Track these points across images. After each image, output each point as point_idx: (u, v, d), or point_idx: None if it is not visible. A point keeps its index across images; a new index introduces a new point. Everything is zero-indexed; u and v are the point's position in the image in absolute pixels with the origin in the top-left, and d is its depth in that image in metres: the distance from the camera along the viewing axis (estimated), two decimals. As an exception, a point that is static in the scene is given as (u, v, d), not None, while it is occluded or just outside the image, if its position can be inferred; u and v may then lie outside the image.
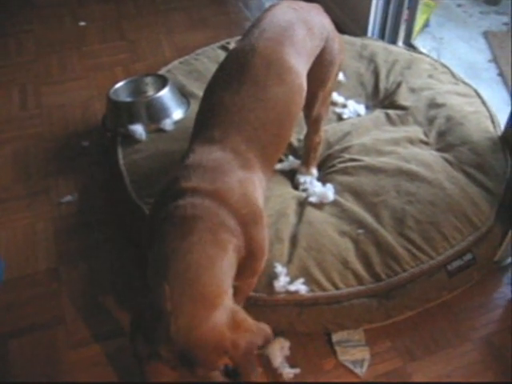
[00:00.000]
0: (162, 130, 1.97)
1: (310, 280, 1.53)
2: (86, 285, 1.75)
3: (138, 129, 1.93)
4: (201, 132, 1.43)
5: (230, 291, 1.20)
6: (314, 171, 1.84)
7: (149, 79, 2.24)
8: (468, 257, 1.65)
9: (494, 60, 2.72)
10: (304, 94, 1.53)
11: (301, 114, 1.71)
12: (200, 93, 1.98)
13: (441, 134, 1.95)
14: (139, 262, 1.77)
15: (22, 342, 1.62)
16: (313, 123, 1.77)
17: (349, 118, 2.07)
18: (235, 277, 1.25)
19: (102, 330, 1.63)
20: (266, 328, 1.22)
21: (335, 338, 1.59)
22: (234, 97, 1.40)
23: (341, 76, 2.17)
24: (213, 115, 1.42)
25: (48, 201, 1.99)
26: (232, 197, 1.27)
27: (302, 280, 1.52)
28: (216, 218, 1.21)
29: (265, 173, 1.45)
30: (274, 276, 1.52)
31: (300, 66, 1.50)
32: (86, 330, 1.64)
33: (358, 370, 1.54)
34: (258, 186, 1.38)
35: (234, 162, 1.34)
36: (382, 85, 2.19)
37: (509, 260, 1.79)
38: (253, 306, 1.52)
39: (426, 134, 1.97)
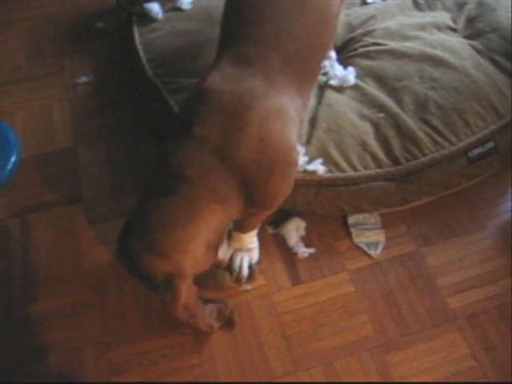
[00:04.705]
0: (178, 9, 1.88)
1: (329, 161, 1.52)
2: (102, 164, 1.76)
3: (154, 7, 1.85)
4: (231, 43, 1.28)
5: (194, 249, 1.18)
6: (333, 54, 1.77)
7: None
8: (490, 145, 1.61)
9: None
10: None
11: None
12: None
13: (470, 21, 1.85)
14: (155, 141, 1.77)
15: (41, 217, 1.65)
16: None
17: (373, 2, 1.97)
18: (250, 204, 1.23)
19: (118, 208, 1.65)
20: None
21: (351, 220, 1.60)
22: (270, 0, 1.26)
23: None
24: (245, 24, 1.27)
25: (63, 82, 1.96)
26: (241, 152, 1.15)
27: (320, 160, 1.51)
28: (205, 185, 1.14)
29: (302, 96, 1.31)
30: (293, 156, 1.50)
31: None
32: (103, 208, 1.67)
33: (372, 252, 1.56)
34: (291, 118, 1.23)
35: (264, 90, 1.19)
36: (410, -32, 2.06)
37: (531, 152, 1.77)
38: (270, 186, 1.52)
39: (454, 21, 1.87)
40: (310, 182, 1.51)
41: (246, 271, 1.48)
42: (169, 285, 1.17)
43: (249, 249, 1.48)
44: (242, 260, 1.48)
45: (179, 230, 1.14)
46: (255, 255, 1.51)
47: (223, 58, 1.26)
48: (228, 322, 1.43)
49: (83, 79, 1.96)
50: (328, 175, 1.51)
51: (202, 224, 1.16)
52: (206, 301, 1.37)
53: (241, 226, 1.43)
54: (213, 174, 1.15)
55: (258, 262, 1.52)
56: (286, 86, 1.24)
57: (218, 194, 1.15)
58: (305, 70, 1.30)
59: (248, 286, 1.51)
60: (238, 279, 1.48)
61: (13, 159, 1.74)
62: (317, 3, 1.31)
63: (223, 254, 1.43)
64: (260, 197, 1.21)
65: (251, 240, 1.48)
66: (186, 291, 1.19)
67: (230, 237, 1.48)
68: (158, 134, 1.75)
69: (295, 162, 1.25)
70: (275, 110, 1.19)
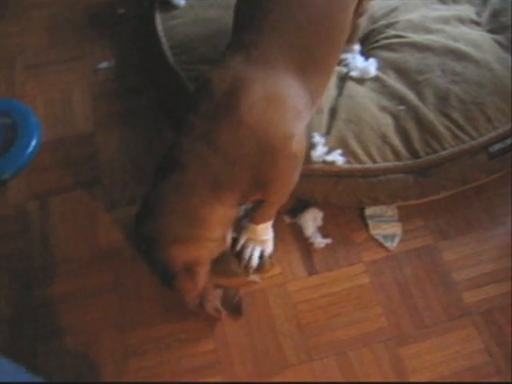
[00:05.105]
0: (200, -3, 1.89)
1: (348, 152, 1.52)
2: (122, 149, 1.77)
3: (176, -6, 1.86)
4: (237, 30, 1.31)
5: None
6: (356, 47, 1.76)
7: None
8: (511, 140, 1.60)
9: None
10: None
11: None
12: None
13: (494, 15, 1.83)
14: (175, 128, 1.77)
15: (61, 200, 1.68)
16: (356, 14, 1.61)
17: (397, -6, 1.97)
18: (257, 193, 1.24)
19: (137, 193, 1.66)
20: None
21: (368, 212, 1.60)
22: None
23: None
24: (251, 10, 1.28)
25: (84, 67, 1.97)
26: (226, 138, 1.15)
27: (339, 151, 1.51)
28: (193, 171, 1.15)
29: (311, 85, 1.28)
30: (312, 146, 1.50)
31: None
32: (122, 192, 1.68)
33: (388, 244, 1.56)
34: (289, 106, 1.20)
35: (257, 76, 1.18)
36: (435, -40, 2.04)
37: (551, 149, 1.75)
38: (288, 176, 1.52)
39: (478, 14, 1.85)
40: (329, 173, 1.51)
41: (255, 262, 1.49)
42: (188, 272, 1.18)
43: (262, 240, 1.49)
44: (253, 250, 1.49)
45: (180, 216, 1.16)
46: (268, 247, 1.51)
47: (228, 45, 1.28)
48: (236, 309, 1.44)
49: (104, 64, 1.97)
50: (347, 166, 1.51)
51: (198, 210, 1.16)
52: (216, 286, 1.38)
53: (253, 217, 1.43)
54: (200, 160, 1.15)
55: (271, 255, 1.53)
56: (286, 74, 1.22)
57: (207, 179, 1.15)
58: (313, 60, 1.28)
59: (256, 277, 1.51)
60: (246, 268, 1.49)
61: (33, 142, 1.77)
62: None
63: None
64: (259, 185, 1.21)
65: (266, 232, 1.48)
66: (205, 277, 1.20)
67: (243, 227, 1.49)
68: (178, 120, 1.76)
69: (292, 153, 1.21)
70: (268, 96, 1.17)
